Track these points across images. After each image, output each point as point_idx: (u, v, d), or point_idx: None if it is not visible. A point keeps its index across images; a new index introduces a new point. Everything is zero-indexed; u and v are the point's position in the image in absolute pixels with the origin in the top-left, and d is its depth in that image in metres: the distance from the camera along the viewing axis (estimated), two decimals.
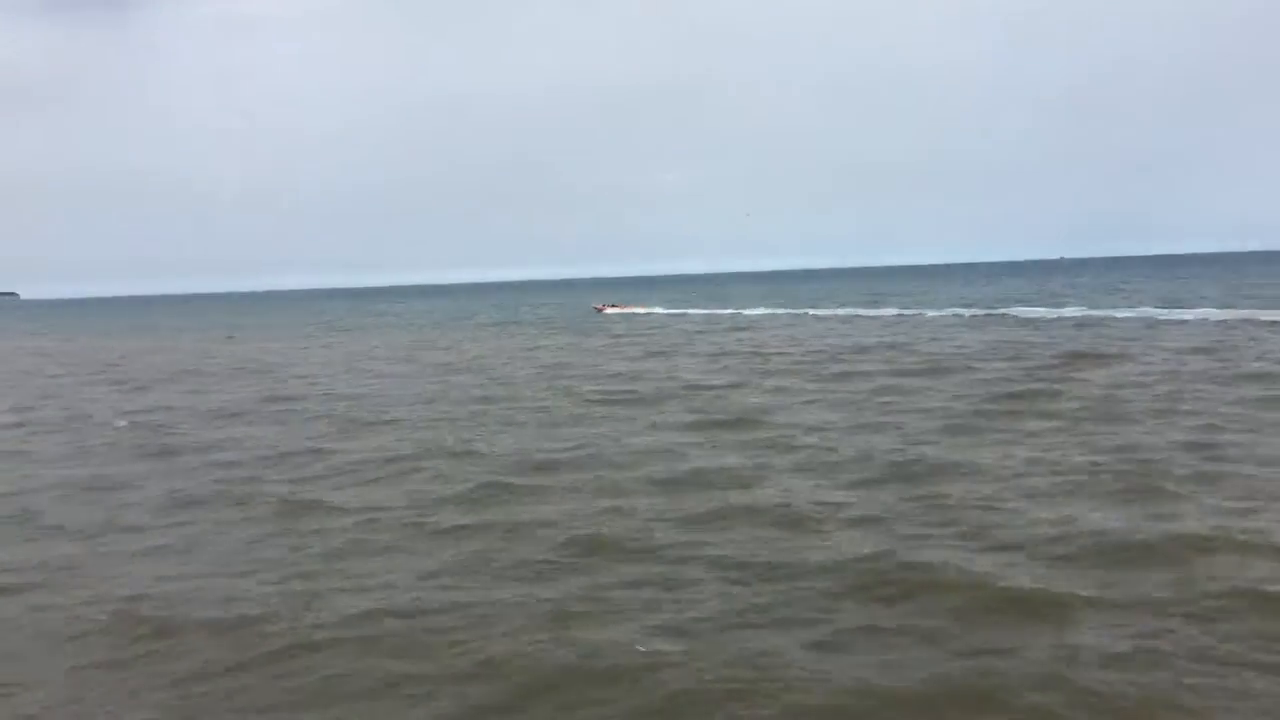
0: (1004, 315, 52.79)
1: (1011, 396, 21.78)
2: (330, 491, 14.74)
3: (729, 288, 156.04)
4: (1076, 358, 29.05)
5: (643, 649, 8.32)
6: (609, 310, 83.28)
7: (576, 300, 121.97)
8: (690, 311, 76.86)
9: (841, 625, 8.79)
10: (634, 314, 78.09)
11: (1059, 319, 47.87)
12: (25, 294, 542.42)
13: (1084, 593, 9.22)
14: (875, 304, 73.40)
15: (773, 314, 67.98)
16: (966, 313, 56.30)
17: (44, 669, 8.63)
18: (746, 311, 72.75)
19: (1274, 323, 38.88)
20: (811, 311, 67.44)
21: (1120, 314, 48.78)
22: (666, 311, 79.21)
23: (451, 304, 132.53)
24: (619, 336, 50.95)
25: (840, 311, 65.79)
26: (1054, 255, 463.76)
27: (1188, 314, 45.91)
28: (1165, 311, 48.40)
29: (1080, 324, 43.94)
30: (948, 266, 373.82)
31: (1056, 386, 22.88)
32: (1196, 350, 29.92)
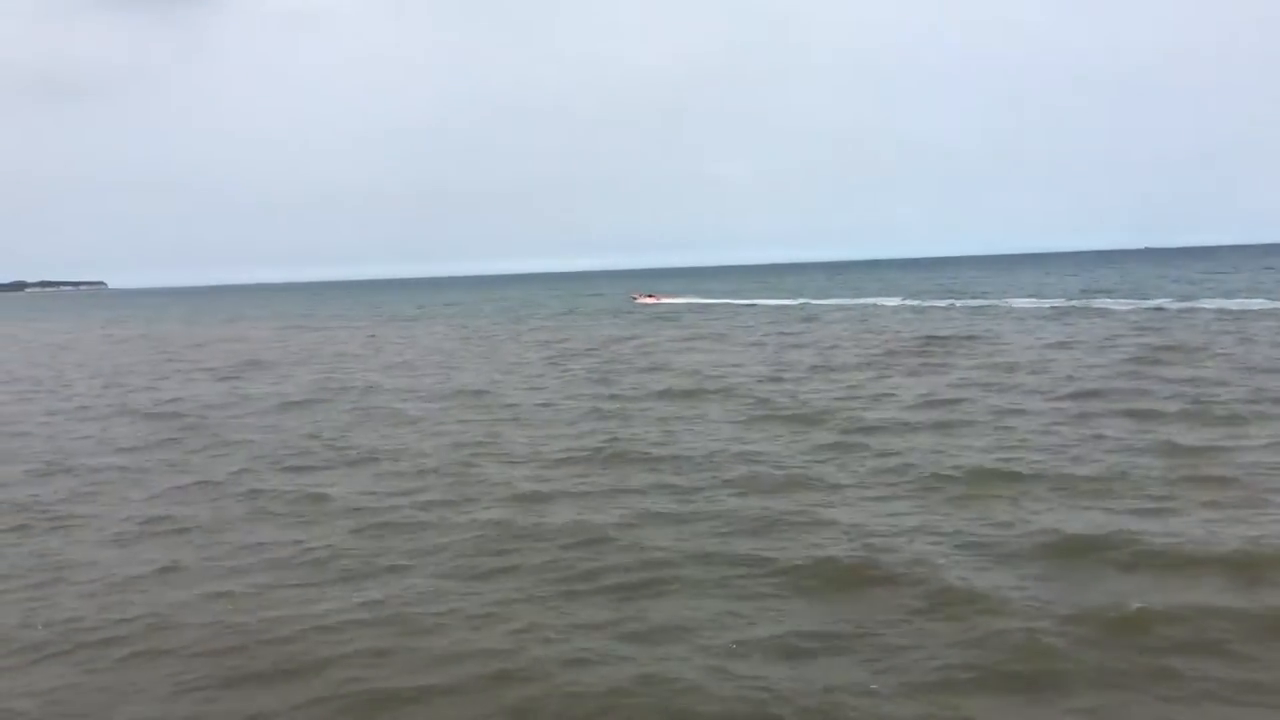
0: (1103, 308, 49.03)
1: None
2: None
3: (789, 278, 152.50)
4: None
5: None
6: (645, 300, 79.93)
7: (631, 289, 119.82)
8: (759, 301, 74.88)
9: None
10: (694, 303, 76.08)
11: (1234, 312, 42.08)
12: (112, 283, 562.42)
13: None
14: (959, 295, 69.62)
15: (845, 304, 65.07)
16: (1127, 307, 49.31)
17: None
18: (817, 301, 70.14)
19: None
20: (878, 301, 65.04)
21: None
22: (732, 302, 77.42)
23: (516, 293, 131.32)
24: (691, 327, 48.55)
25: (912, 302, 62.69)
26: (1137, 244, 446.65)
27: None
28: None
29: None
30: (1024, 256, 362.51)
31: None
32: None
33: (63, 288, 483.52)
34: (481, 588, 9.56)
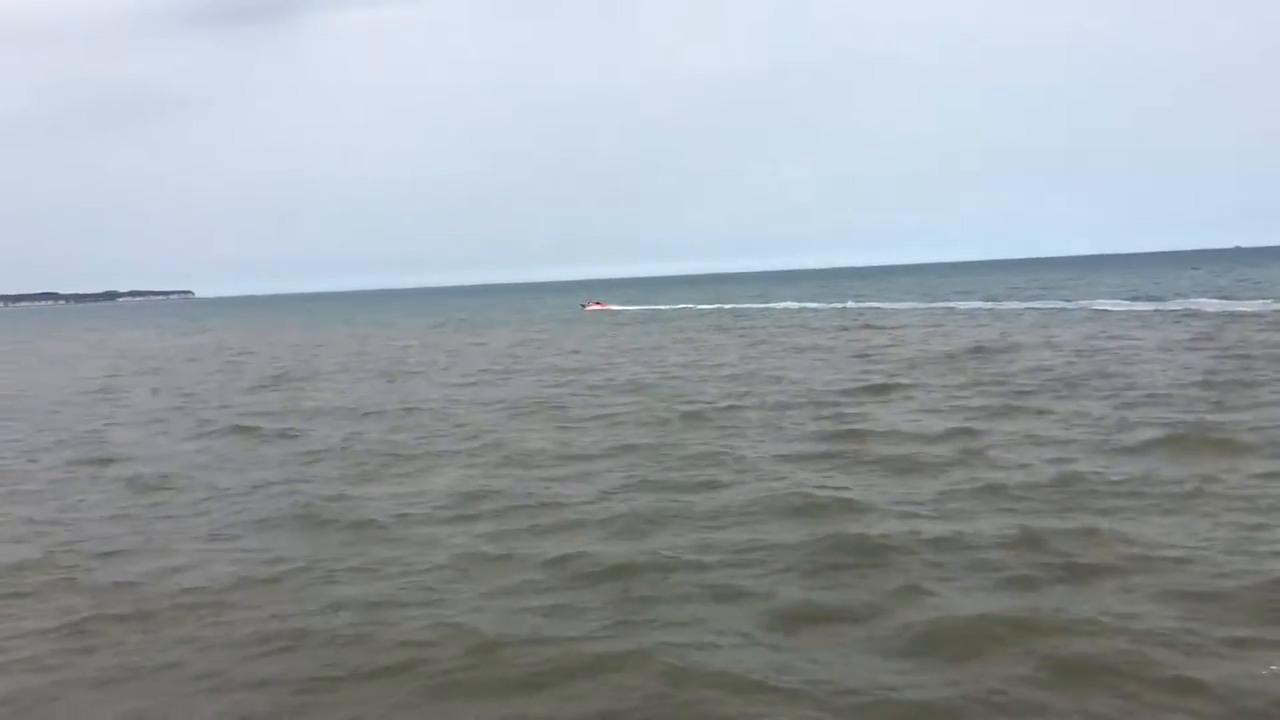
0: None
1: None
2: None
3: (851, 283, 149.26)
4: None
5: None
6: (593, 308, 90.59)
7: (723, 293, 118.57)
8: (815, 305, 74.87)
9: None
10: (720, 309, 79.76)
11: None
12: (200, 292, 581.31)
13: None
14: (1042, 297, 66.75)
15: (919, 308, 62.91)
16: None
17: None
18: (886, 305, 68.36)
19: None
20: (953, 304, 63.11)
21: None
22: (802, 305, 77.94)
23: (587, 295, 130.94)
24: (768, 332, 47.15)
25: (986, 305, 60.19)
26: (1226, 244, 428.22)
27: None
28: None
29: None
30: (1105, 257, 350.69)
31: None
32: None
33: (153, 297, 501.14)
34: None
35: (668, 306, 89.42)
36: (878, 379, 25.55)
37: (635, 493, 13.77)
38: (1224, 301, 52.02)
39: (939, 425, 18.01)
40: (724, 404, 22.23)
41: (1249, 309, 45.51)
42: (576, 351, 41.48)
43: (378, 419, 22.57)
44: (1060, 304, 59.09)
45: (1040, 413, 18.89)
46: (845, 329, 48.05)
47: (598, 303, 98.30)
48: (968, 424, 17.94)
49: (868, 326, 48.70)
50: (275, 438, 20.33)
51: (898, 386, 23.92)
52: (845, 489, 13.42)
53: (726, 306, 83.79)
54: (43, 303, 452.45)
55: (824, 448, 16.51)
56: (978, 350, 32.02)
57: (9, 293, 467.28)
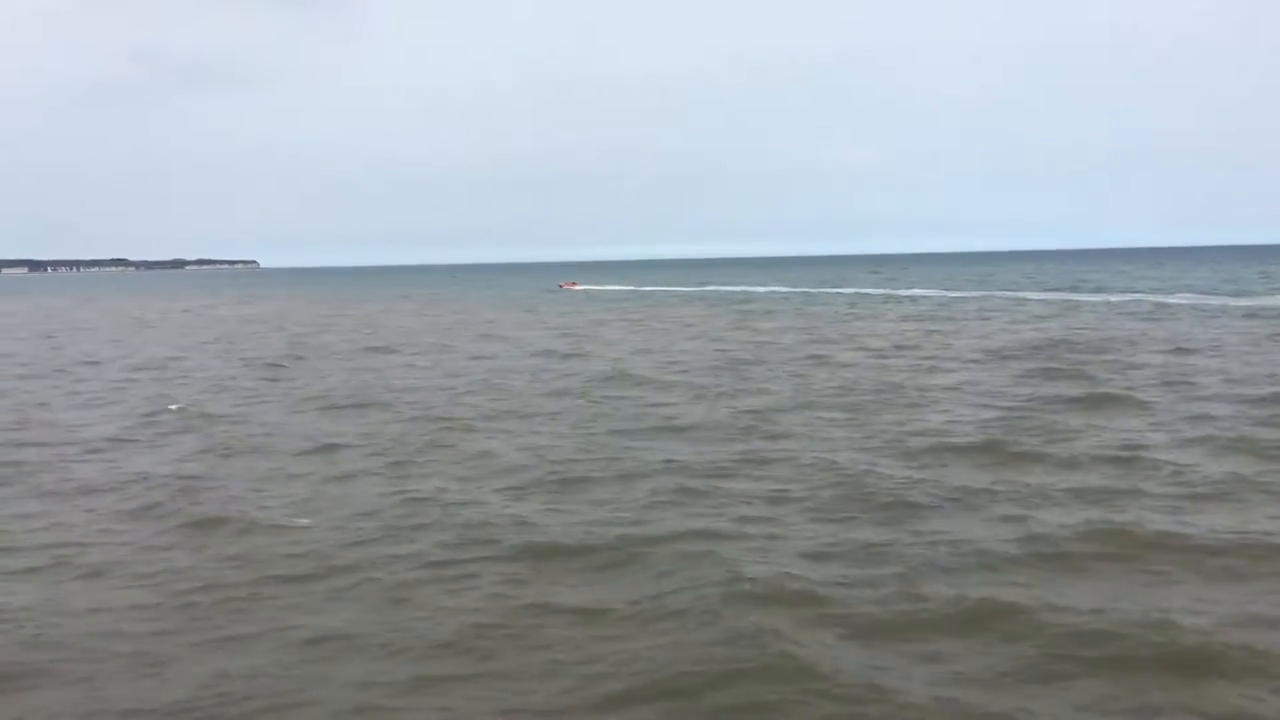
0: None
1: None
2: None
3: (917, 270, 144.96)
4: None
5: None
6: (572, 288, 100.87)
7: (809, 277, 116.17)
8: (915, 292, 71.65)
9: None
10: (725, 291, 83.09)
11: None
12: (264, 263, 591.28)
13: None
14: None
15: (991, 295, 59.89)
16: None
17: None
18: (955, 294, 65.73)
19: None
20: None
21: None
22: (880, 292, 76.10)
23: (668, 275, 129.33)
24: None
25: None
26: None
27: None
28: None
29: None
30: (1173, 249, 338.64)
31: None
32: None
33: (219, 266, 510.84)
34: None
35: (635, 289, 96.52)
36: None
37: None
38: None
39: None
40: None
41: None
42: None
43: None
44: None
45: None
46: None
47: (573, 283, 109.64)
48: None
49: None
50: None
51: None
52: None
53: (706, 288, 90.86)
54: (112, 268, 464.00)
55: None
56: None
57: (82, 258, 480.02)
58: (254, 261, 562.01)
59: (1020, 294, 64.63)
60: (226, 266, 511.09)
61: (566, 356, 31.03)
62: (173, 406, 21.54)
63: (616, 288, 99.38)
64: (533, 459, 15.25)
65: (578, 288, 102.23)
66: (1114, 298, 57.65)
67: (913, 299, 63.50)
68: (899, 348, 30.92)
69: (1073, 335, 33.01)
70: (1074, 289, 68.74)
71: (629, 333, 41.11)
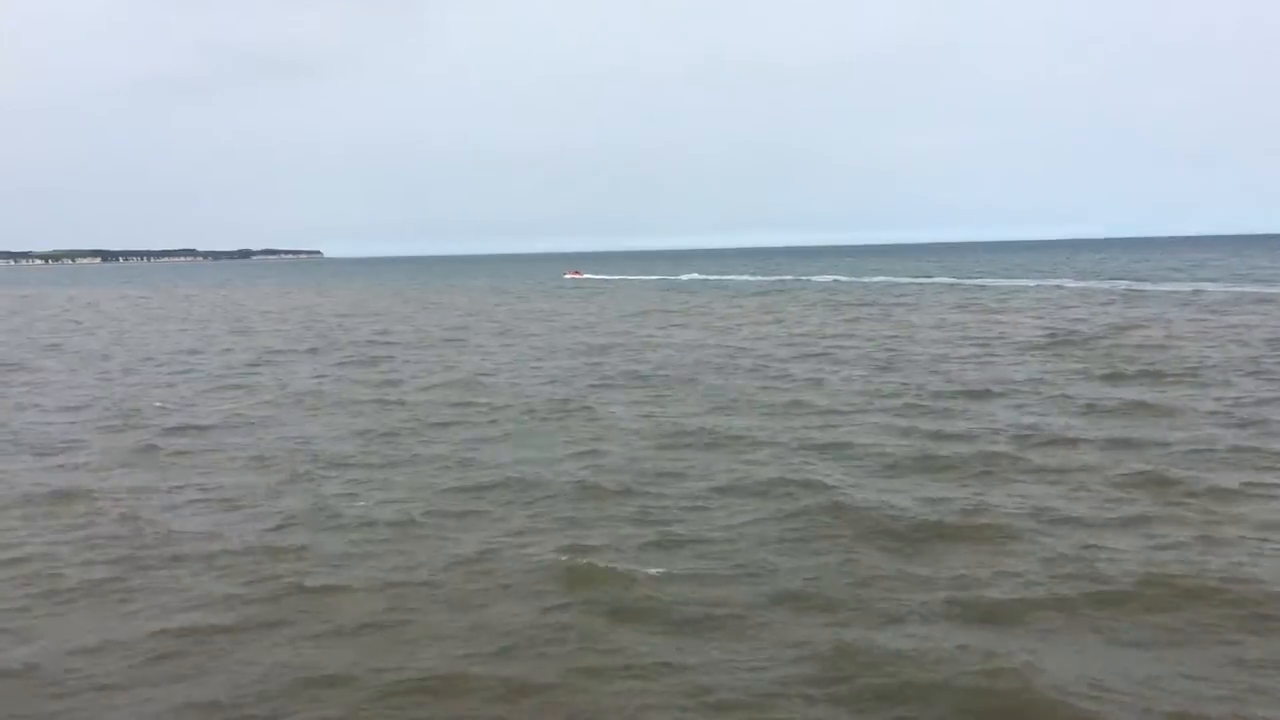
0: None
1: None
2: None
3: (985, 258, 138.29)
4: None
5: None
6: (577, 276, 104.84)
7: (851, 267, 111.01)
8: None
9: None
10: (720, 279, 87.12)
11: None
12: (328, 252, 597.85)
13: None
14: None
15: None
16: None
17: None
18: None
19: None
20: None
21: None
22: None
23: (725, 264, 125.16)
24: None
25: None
26: None
27: None
28: None
29: None
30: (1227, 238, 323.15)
31: None
32: None
33: (284, 255, 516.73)
34: None
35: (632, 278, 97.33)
36: None
37: None
38: None
39: None
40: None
41: None
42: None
43: None
44: None
45: None
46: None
47: (576, 271, 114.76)
48: None
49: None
50: None
51: None
52: None
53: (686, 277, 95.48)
54: (180, 258, 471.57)
55: None
56: None
57: (152, 248, 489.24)
58: (318, 251, 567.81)
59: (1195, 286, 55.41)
60: (291, 256, 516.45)
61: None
62: None
63: (616, 277, 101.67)
64: None
65: (579, 276, 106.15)
66: None
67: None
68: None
69: None
70: None
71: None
